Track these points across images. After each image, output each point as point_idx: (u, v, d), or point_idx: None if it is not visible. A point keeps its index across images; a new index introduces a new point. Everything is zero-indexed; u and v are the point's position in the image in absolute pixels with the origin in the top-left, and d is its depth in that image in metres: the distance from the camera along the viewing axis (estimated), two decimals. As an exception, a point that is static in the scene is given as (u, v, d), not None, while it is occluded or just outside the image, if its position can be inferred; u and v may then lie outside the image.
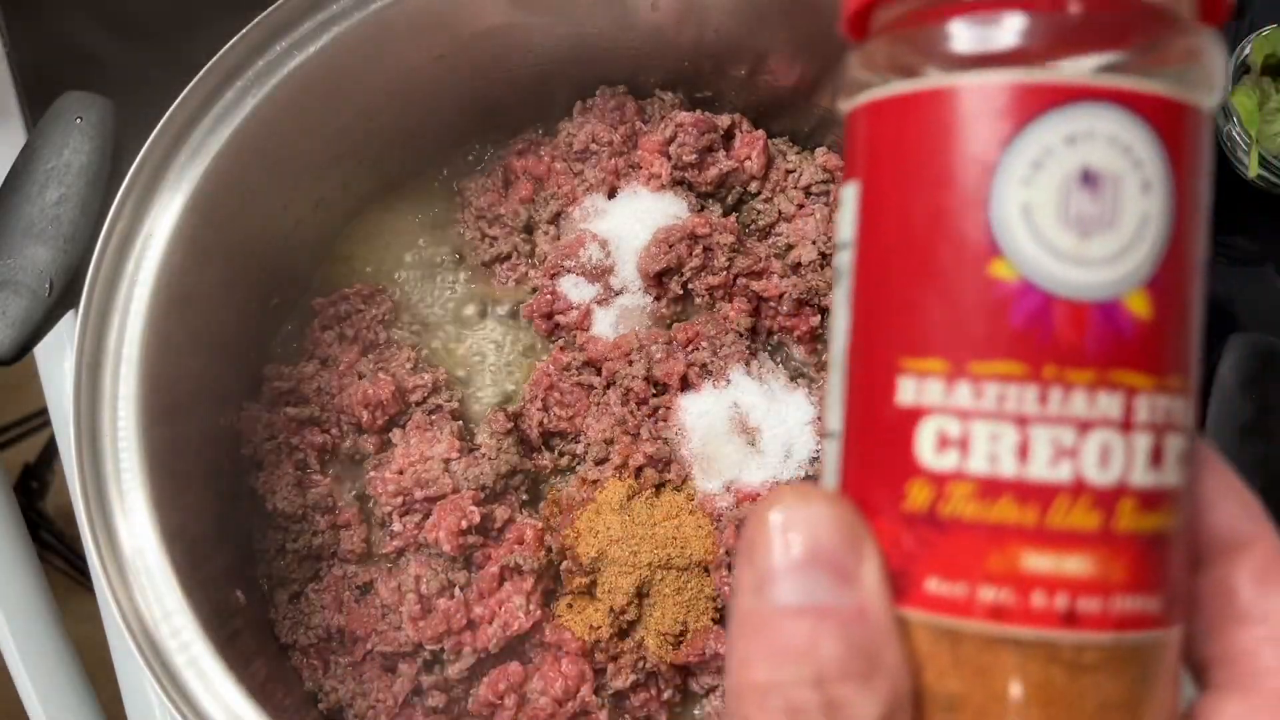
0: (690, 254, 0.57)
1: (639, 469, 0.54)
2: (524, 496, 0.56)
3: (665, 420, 0.56)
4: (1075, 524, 0.22)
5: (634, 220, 0.58)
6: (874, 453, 0.24)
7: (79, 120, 0.50)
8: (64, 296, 0.48)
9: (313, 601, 0.54)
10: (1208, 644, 0.25)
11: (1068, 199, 0.22)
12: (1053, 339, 0.22)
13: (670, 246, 0.56)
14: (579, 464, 0.57)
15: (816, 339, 0.59)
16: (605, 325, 0.58)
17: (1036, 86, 0.22)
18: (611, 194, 0.60)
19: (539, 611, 0.53)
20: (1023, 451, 0.22)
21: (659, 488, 0.55)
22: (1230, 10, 0.25)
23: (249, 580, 0.54)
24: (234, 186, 0.51)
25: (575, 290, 0.58)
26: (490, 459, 0.55)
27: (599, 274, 0.58)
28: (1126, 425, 0.22)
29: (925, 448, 0.23)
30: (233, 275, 0.54)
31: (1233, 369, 0.50)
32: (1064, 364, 0.22)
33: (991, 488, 0.22)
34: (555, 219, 0.61)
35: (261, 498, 0.55)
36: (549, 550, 0.54)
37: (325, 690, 0.53)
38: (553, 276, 0.59)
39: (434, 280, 0.62)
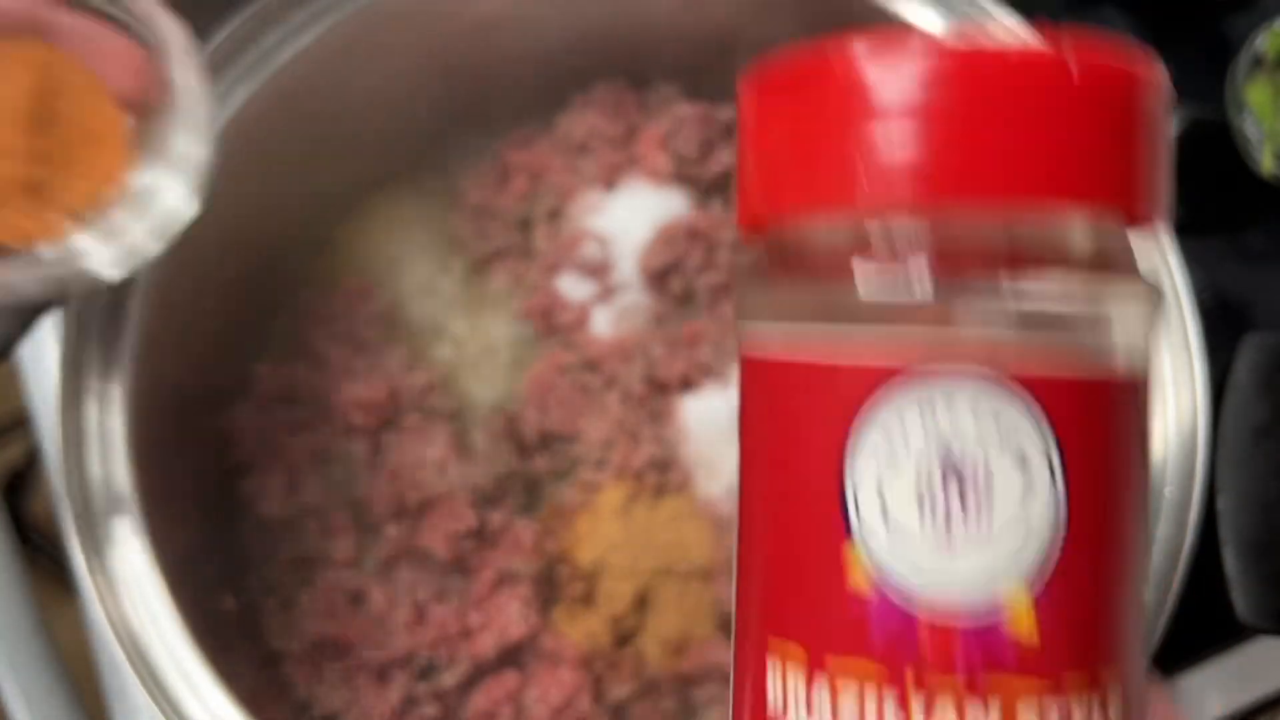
0: (692, 250, 0.56)
1: (639, 472, 0.53)
2: (521, 500, 0.55)
3: (666, 422, 0.55)
4: None
5: (634, 216, 0.57)
6: None
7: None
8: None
9: (304, 608, 0.53)
10: None
11: (926, 489, 0.19)
12: (913, 642, 0.19)
13: (672, 243, 0.55)
14: (577, 467, 0.56)
15: None
16: (604, 324, 0.57)
17: (888, 353, 0.20)
18: (610, 189, 0.59)
19: (536, 619, 0.52)
20: None
21: (659, 491, 0.54)
22: (1161, 210, 0.22)
23: (239, 586, 0.53)
24: (223, 181, 0.50)
25: (573, 288, 0.57)
26: (487, 461, 0.54)
27: (598, 271, 0.57)
28: None
29: None
30: (221, 272, 0.53)
31: (1248, 369, 0.50)
32: (927, 668, 0.19)
33: None
34: (553, 215, 0.60)
35: (251, 502, 0.54)
36: (547, 556, 0.53)
37: (318, 699, 0.51)
38: (550, 274, 0.58)
39: (428, 278, 0.61)
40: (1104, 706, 0.20)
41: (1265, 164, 0.58)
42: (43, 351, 0.64)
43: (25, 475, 0.99)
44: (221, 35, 0.49)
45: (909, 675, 0.19)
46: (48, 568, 0.81)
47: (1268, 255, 0.65)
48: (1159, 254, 0.47)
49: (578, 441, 0.56)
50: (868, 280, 0.20)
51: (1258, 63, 0.59)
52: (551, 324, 0.58)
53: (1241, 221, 0.66)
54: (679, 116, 0.57)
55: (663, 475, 0.54)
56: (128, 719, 0.59)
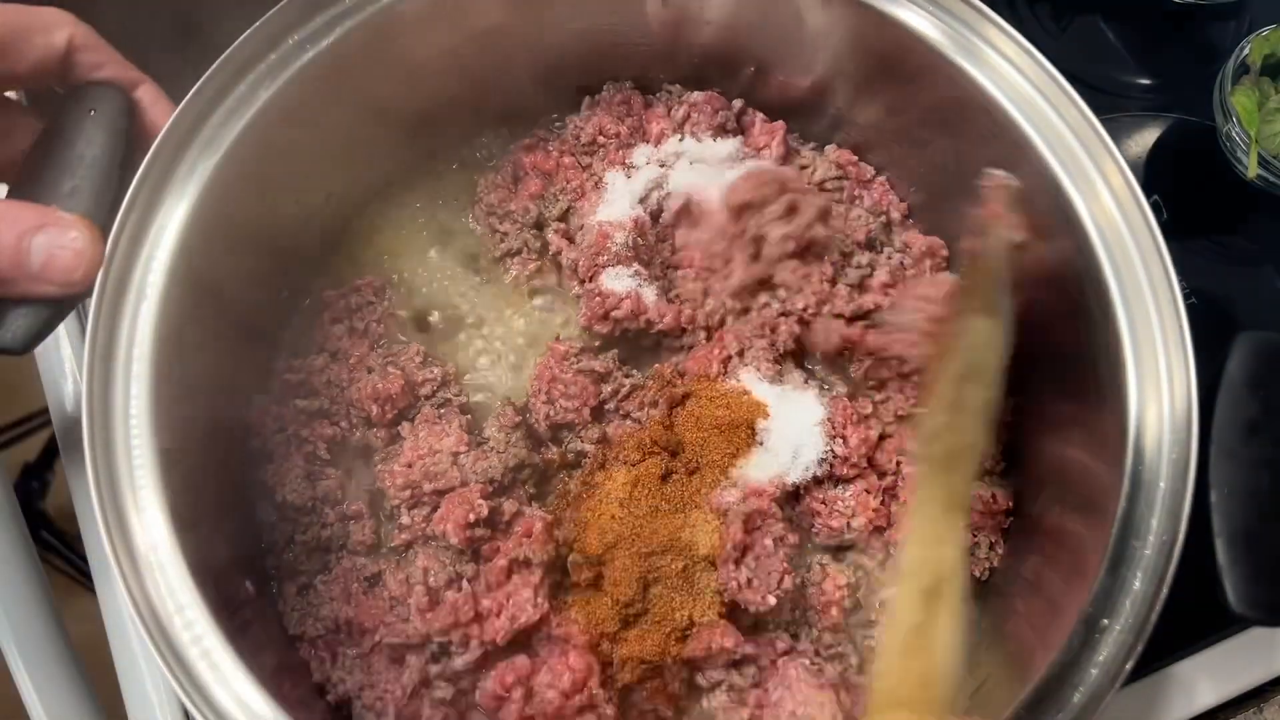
0: (776, 198, 0.56)
1: (646, 463, 0.54)
2: (532, 490, 0.56)
3: (673, 416, 0.56)
4: None
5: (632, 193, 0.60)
6: None
7: (92, 112, 0.50)
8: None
9: (321, 593, 0.53)
10: None
11: None
12: None
13: (761, 184, 0.56)
14: (586, 458, 0.57)
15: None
16: (653, 294, 0.58)
17: None
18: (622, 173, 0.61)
19: (546, 604, 0.52)
20: None
21: (666, 481, 0.54)
22: None
23: (258, 572, 0.54)
24: (246, 180, 0.51)
25: (617, 281, 0.57)
26: (499, 452, 0.55)
27: (632, 256, 0.58)
28: None
29: None
30: (244, 268, 0.54)
31: (1240, 367, 0.50)
32: None
33: None
34: (564, 215, 0.61)
35: (271, 490, 0.55)
36: (557, 543, 0.54)
37: (334, 681, 0.52)
38: (592, 279, 0.58)
39: (443, 274, 0.62)
40: None
41: (1250, 168, 0.59)
42: (58, 351, 0.64)
43: (40, 472, 1.00)
44: (243, 38, 0.50)
45: None
46: (62, 563, 0.82)
47: (1253, 257, 0.66)
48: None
49: (586, 432, 0.57)
50: None
51: (1244, 70, 0.60)
52: (614, 322, 0.58)
53: (1227, 224, 0.67)
54: (691, 103, 0.60)
55: (669, 465, 0.55)
56: (141, 709, 0.60)
